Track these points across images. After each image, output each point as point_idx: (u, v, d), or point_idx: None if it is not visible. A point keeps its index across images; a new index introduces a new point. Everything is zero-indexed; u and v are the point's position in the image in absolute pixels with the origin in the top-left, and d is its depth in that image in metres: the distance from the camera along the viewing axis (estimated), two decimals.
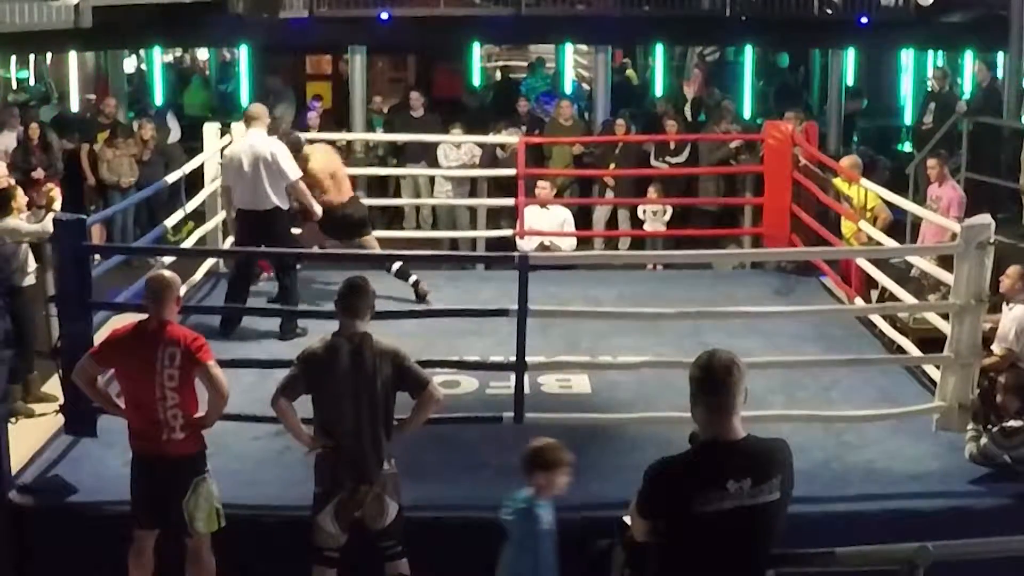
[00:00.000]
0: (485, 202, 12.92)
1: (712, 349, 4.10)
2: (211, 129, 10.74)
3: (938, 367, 7.32)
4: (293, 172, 9.17)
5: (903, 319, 9.27)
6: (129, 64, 18.81)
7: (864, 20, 16.29)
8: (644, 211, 13.61)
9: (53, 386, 7.15)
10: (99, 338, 6.41)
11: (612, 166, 14.09)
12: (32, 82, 19.58)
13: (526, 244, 11.41)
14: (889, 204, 9.92)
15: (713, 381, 3.99)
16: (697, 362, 4.07)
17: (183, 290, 9.00)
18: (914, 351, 8.14)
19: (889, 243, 9.17)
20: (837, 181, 10.48)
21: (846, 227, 10.21)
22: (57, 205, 8.92)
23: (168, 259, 8.85)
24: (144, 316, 5.95)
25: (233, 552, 6.00)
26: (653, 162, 14.40)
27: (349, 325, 5.79)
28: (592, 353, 8.33)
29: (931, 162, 11.05)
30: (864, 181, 10.02)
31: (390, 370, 5.73)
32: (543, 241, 11.60)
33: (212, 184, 10.46)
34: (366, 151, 15.39)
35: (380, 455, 5.74)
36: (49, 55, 18.79)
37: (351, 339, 5.74)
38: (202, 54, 21.98)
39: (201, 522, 5.82)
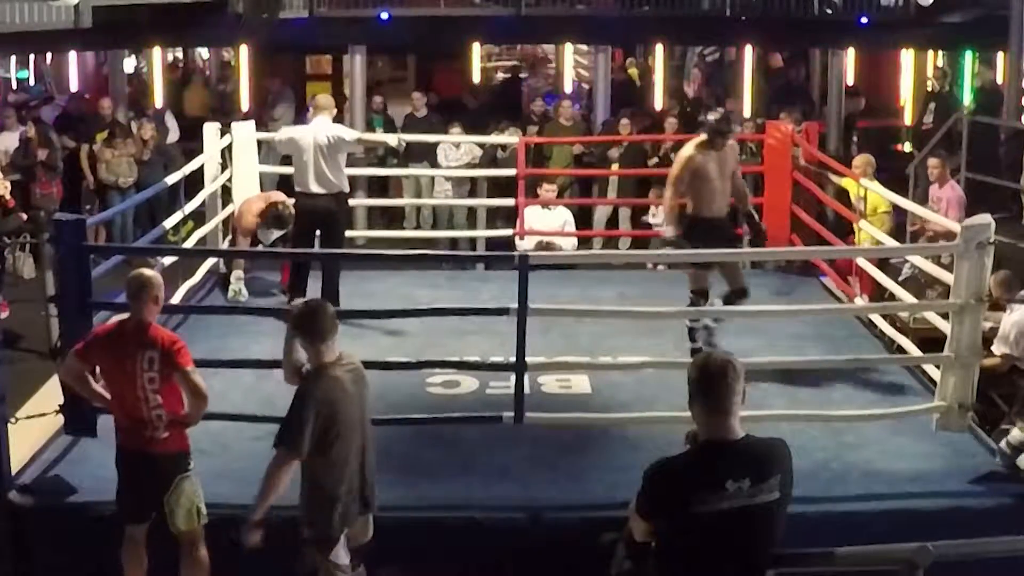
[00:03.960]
0: (485, 202, 12.91)
1: (709, 350, 4.11)
2: (211, 129, 10.73)
3: (938, 367, 7.32)
4: (350, 134, 9.56)
5: (903, 319, 9.26)
6: (129, 64, 18.80)
7: (864, 20, 16.27)
8: (653, 214, 13.57)
9: (53, 386, 7.14)
10: None
11: (614, 166, 14.10)
12: (32, 82, 19.56)
13: (525, 244, 11.39)
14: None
15: (710, 382, 4.00)
16: (694, 363, 4.08)
17: (183, 291, 9.12)
18: (914, 351, 8.14)
19: (890, 243, 9.15)
20: (847, 182, 10.44)
21: (860, 229, 10.09)
22: None
23: (168, 260, 8.85)
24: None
25: (232, 551, 5.99)
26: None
27: (329, 349, 5.34)
28: (592, 353, 8.31)
29: (933, 163, 11.03)
30: (864, 181, 9.99)
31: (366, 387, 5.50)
32: (542, 240, 11.59)
33: (212, 184, 10.46)
34: (366, 151, 15.39)
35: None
36: (49, 55, 18.77)
37: (341, 363, 5.39)
38: (202, 54, 21.97)
39: (181, 519, 5.85)
